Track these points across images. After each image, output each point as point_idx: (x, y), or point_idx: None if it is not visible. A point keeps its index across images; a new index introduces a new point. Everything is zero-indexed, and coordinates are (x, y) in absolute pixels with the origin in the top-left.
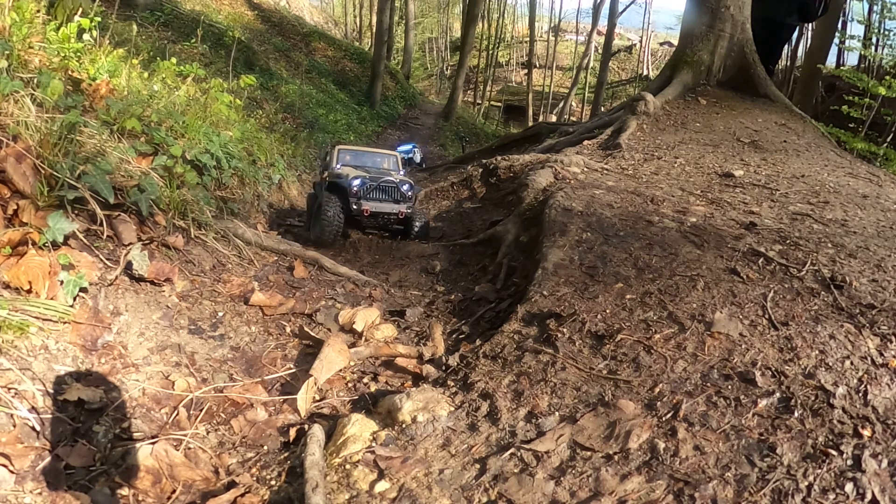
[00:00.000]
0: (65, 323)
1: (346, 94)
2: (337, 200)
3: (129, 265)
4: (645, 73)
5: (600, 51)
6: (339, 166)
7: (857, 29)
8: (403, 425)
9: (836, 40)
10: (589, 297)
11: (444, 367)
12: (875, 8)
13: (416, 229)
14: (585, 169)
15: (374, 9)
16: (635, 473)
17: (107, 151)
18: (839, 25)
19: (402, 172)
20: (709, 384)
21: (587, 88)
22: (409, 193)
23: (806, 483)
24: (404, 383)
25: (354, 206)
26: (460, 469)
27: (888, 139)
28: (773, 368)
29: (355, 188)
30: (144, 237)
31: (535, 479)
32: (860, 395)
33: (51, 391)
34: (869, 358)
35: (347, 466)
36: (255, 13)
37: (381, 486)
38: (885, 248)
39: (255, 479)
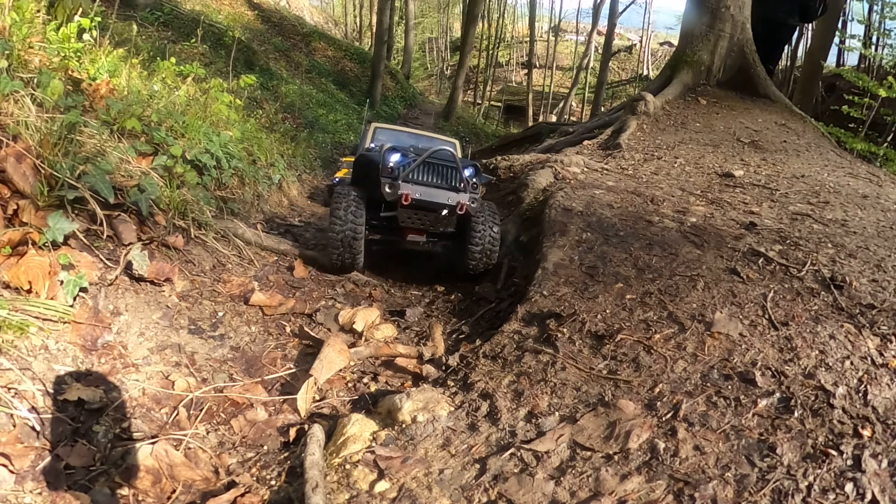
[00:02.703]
0: (65, 323)
1: (347, 94)
2: (355, 196)
3: (129, 265)
4: (645, 73)
5: (600, 51)
6: (374, 145)
7: (857, 29)
8: (403, 425)
9: (836, 40)
10: (589, 297)
11: (444, 367)
12: (875, 8)
13: (485, 243)
14: (585, 169)
15: (374, 9)
16: (635, 473)
17: (107, 151)
18: (839, 25)
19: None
20: (709, 384)
21: (587, 88)
22: (475, 180)
23: (806, 483)
24: (404, 383)
25: (388, 190)
26: (460, 469)
27: (888, 139)
28: (773, 368)
29: (391, 164)
30: (144, 237)
31: (535, 479)
32: (860, 395)
33: (51, 391)
34: (869, 358)
35: (347, 466)
36: (255, 13)
37: (381, 486)
38: (885, 248)
39: (255, 479)
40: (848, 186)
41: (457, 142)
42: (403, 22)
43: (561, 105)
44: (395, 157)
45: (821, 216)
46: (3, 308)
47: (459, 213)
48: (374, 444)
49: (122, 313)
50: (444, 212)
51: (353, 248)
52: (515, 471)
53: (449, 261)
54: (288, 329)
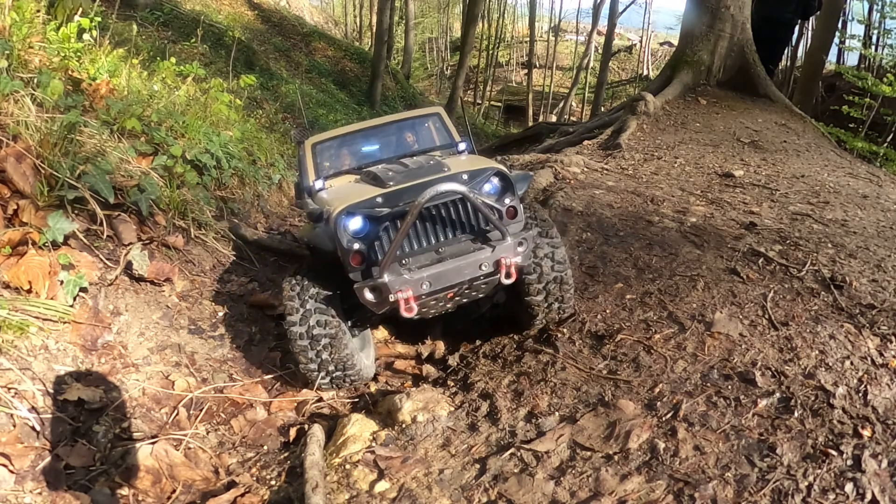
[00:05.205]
0: (65, 323)
1: (347, 94)
2: (325, 298)
3: (129, 265)
4: (645, 73)
5: (600, 51)
6: (319, 184)
7: (857, 29)
8: (403, 425)
9: (836, 40)
10: (589, 297)
11: (444, 367)
12: (875, 8)
13: (549, 281)
14: (585, 169)
15: (374, 9)
16: (635, 473)
17: (107, 151)
18: (839, 25)
19: (460, 145)
20: (709, 384)
21: (587, 88)
22: (508, 201)
23: (806, 483)
24: (404, 383)
25: (371, 298)
26: (460, 469)
27: (888, 139)
28: (773, 368)
29: (356, 245)
30: (144, 237)
31: (535, 479)
32: (860, 395)
33: (51, 391)
34: (869, 358)
35: (347, 466)
36: (255, 13)
37: (381, 486)
38: (885, 248)
39: (255, 479)
40: (848, 186)
41: (440, 110)
42: (403, 22)
43: (561, 105)
44: (354, 226)
45: (821, 216)
46: (3, 308)
47: (508, 280)
48: (374, 444)
49: (122, 313)
50: (479, 285)
51: (346, 373)
52: (515, 471)
53: (504, 313)
54: None
